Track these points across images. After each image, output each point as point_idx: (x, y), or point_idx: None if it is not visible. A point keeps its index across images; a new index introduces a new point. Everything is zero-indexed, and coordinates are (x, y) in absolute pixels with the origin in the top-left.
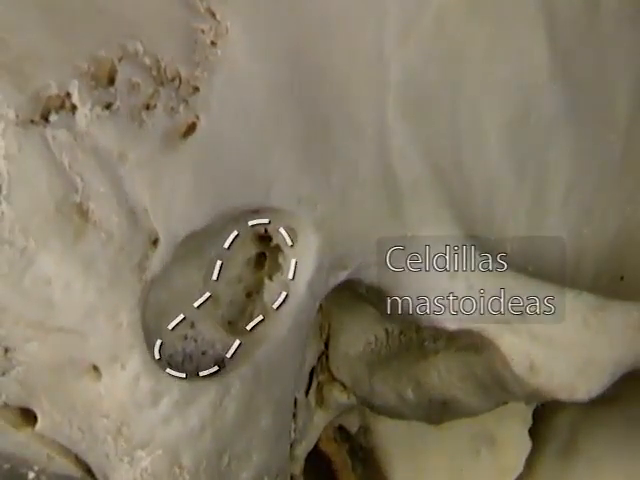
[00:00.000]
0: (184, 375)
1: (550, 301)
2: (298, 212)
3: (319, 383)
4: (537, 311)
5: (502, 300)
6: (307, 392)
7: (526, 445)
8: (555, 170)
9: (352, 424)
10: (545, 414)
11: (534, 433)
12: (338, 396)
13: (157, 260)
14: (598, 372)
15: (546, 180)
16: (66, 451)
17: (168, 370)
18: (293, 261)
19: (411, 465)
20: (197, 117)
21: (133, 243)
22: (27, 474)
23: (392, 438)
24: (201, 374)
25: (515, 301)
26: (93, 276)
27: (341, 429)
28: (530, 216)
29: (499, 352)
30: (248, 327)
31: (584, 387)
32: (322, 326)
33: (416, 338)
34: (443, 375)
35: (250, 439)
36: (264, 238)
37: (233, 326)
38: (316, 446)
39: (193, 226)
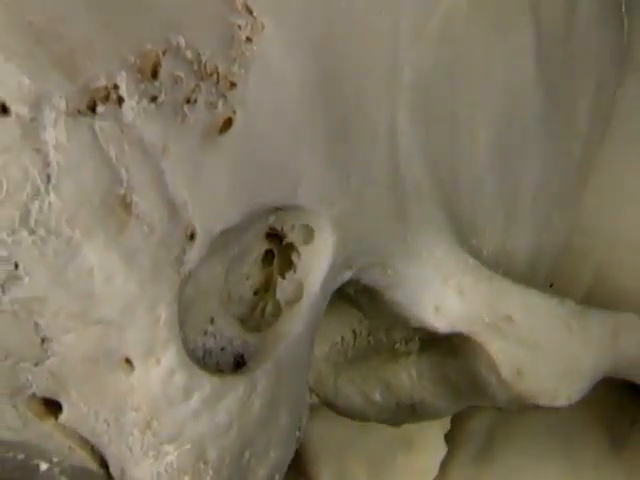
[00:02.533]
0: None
1: (535, 306)
2: (319, 210)
3: None
4: (523, 316)
5: (491, 305)
6: None
7: (441, 449)
8: (527, 176)
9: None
10: (462, 419)
11: (450, 438)
12: None
13: (194, 254)
14: (579, 378)
15: (519, 186)
16: (85, 443)
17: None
18: (307, 260)
19: (335, 469)
20: (234, 112)
21: (172, 237)
22: (39, 465)
23: (322, 439)
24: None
25: (504, 306)
26: (134, 269)
27: None
28: (505, 221)
29: (487, 356)
30: (259, 324)
31: (565, 393)
32: None
33: (386, 340)
34: (414, 378)
35: (270, 436)
36: (274, 236)
37: (245, 323)
38: None
39: (228, 222)
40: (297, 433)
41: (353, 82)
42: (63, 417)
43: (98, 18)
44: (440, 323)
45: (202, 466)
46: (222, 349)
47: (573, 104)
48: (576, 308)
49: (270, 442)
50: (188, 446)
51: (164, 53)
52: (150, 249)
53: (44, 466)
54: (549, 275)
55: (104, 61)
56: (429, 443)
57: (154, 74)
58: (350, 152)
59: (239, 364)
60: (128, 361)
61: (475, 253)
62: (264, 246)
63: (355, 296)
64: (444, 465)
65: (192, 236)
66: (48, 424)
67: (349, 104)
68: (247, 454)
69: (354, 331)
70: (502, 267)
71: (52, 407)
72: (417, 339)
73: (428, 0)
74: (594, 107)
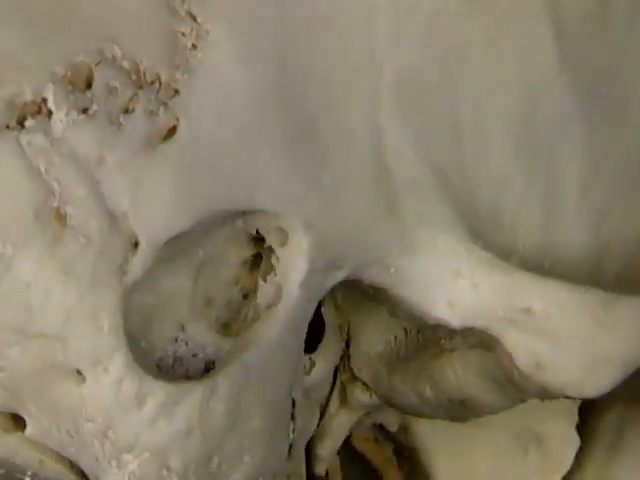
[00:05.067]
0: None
1: (556, 297)
2: (286, 213)
3: (342, 383)
4: (543, 308)
5: (507, 297)
6: (331, 392)
7: (574, 442)
8: (568, 169)
9: (391, 423)
10: (592, 410)
11: (582, 430)
12: (360, 395)
13: (138, 263)
14: (608, 368)
15: (559, 179)
16: (58, 456)
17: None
18: (285, 262)
19: (454, 464)
20: (177, 120)
21: (113, 246)
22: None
23: (432, 437)
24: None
25: (521, 298)
26: (72, 280)
27: (382, 428)
28: (543, 215)
29: (504, 349)
30: (239, 329)
31: (593, 384)
32: (342, 326)
33: (432, 336)
34: (459, 373)
35: (240, 440)
36: (260, 239)
37: (228, 328)
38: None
39: (174, 229)
40: (290, 435)
41: (323, 83)
42: (28, 431)
43: (25, 33)
44: (454, 318)
45: (165, 473)
46: (194, 355)
47: (625, 100)
48: (605, 297)
49: (242, 446)
50: (147, 454)
51: (97, 64)
52: (88, 260)
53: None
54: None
55: (30, 75)
56: (560, 436)
57: (88, 85)
58: (320, 153)
59: (209, 370)
60: (79, 372)
61: (506, 247)
62: (249, 250)
63: (375, 295)
64: (577, 458)
65: (135, 245)
66: (14, 438)
67: (316, 105)
68: (216, 459)
69: (405, 329)
70: (548, 260)
71: (19, 421)
72: (460, 335)
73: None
74: None
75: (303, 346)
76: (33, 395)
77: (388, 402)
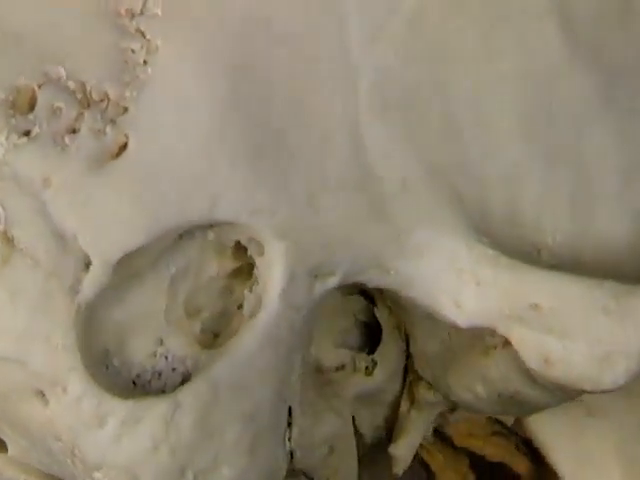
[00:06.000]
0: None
1: (565, 291)
2: (253, 224)
3: (410, 382)
4: (551, 303)
5: (513, 295)
6: (401, 391)
7: None
8: (601, 156)
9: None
10: None
11: None
12: (425, 394)
13: (91, 282)
14: (623, 360)
15: (591, 167)
16: (42, 474)
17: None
18: (263, 272)
19: (574, 454)
20: (127, 137)
21: (63, 267)
22: None
23: (545, 428)
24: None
25: (527, 295)
26: (22, 302)
27: (498, 422)
28: (574, 206)
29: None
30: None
31: (609, 376)
32: (399, 327)
33: (478, 333)
34: (502, 369)
35: (216, 452)
36: (245, 250)
37: (217, 339)
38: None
39: (128, 246)
40: (287, 445)
41: (286, 95)
42: (10, 452)
43: None
44: (461, 318)
45: None
46: (173, 370)
47: None
48: (619, 289)
49: (218, 458)
50: (115, 472)
51: (40, 86)
52: (37, 281)
53: None
54: None
55: None
56: None
57: (31, 108)
58: (288, 163)
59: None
60: (41, 393)
61: (528, 242)
62: (235, 261)
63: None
64: None
65: (88, 264)
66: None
67: (283, 117)
68: (190, 473)
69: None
70: (588, 252)
71: (1, 442)
72: None
73: (384, 2)
74: None
75: (299, 355)
76: (5, 417)
77: (448, 400)
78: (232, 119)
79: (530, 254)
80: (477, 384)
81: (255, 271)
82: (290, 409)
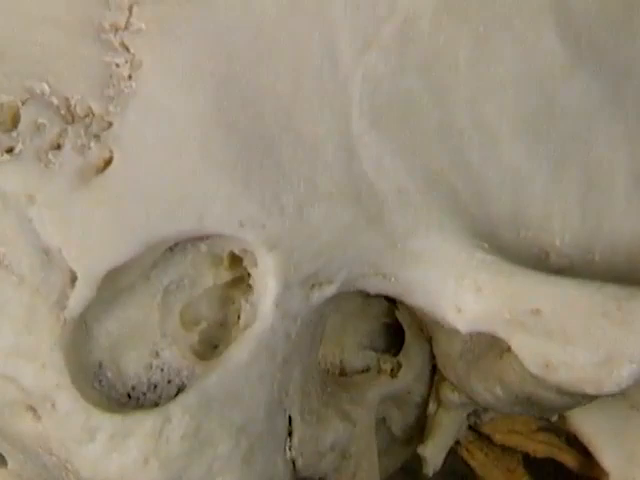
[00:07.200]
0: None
1: (565, 296)
2: (242, 235)
3: (436, 383)
4: (551, 308)
5: (513, 300)
6: (429, 392)
7: None
8: (610, 157)
9: None
10: None
11: None
12: (450, 395)
13: (77, 297)
14: (624, 363)
15: (600, 168)
16: None
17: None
18: (257, 282)
19: (619, 448)
20: (111, 152)
21: (48, 283)
22: None
23: (588, 422)
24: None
25: (527, 300)
26: (7, 320)
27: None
28: (583, 207)
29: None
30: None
31: (611, 379)
32: (423, 328)
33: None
34: (517, 370)
35: (209, 464)
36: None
37: (216, 350)
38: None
39: (115, 260)
40: (287, 453)
41: (277, 103)
42: (9, 466)
43: None
44: (461, 324)
45: None
46: (169, 382)
47: None
48: (619, 292)
49: (211, 470)
50: None
51: (24, 102)
52: (22, 298)
53: None
54: None
55: None
56: None
57: (15, 124)
58: (277, 174)
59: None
60: (33, 409)
61: (535, 244)
62: (231, 272)
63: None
64: None
65: (73, 279)
66: (1, 475)
67: (271, 129)
68: None
69: None
70: (598, 253)
71: (2, 457)
72: None
73: (376, 10)
74: None
75: (298, 364)
76: (2, 432)
77: (472, 401)
78: (217, 133)
79: (538, 257)
80: (496, 385)
81: (250, 281)
82: (290, 418)
